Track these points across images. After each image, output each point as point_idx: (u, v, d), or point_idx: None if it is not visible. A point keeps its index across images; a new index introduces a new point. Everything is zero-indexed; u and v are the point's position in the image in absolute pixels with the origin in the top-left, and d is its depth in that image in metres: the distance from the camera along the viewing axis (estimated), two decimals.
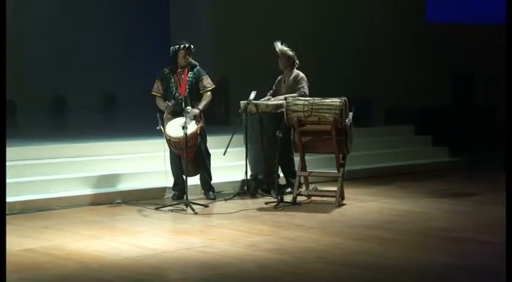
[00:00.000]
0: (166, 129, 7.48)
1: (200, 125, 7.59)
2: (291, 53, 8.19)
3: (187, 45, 7.73)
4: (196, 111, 7.67)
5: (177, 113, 7.66)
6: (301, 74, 8.24)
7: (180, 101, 7.66)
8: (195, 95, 7.79)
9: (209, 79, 7.87)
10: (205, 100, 7.79)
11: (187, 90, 7.75)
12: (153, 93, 7.86)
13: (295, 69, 8.25)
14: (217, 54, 12.32)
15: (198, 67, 7.85)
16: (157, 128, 7.45)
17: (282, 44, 8.17)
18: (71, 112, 13.72)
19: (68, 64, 14.22)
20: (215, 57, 12.25)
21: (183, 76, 7.78)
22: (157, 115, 7.48)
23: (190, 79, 7.78)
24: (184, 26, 12.77)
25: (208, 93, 7.83)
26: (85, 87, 14.30)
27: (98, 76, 14.68)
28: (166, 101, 7.75)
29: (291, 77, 8.23)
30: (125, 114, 14.07)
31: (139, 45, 15.34)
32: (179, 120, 7.49)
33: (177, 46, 7.74)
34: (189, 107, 7.49)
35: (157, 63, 13.30)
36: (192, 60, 7.82)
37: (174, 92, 7.76)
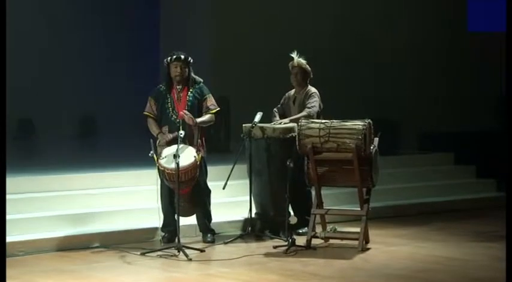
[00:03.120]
0: (160, 158, 7.51)
1: (201, 154, 7.61)
2: (309, 68, 8.31)
3: (178, 56, 7.73)
4: (187, 115, 7.61)
5: (174, 142, 7.65)
6: (313, 89, 8.35)
7: (178, 124, 7.67)
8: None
9: (213, 99, 7.91)
10: (205, 117, 7.80)
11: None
12: (145, 113, 7.90)
13: (308, 86, 8.36)
14: (217, 71, 12.37)
15: (201, 84, 7.90)
16: (150, 154, 7.47)
17: (299, 56, 8.29)
18: (40, 138, 13.74)
19: (37, 81, 14.24)
20: (214, 74, 12.30)
21: (181, 94, 7.81)
22: (151, 140, 7.51)
23: (190, 98, 7.80)
24: (176, 38, 12.85)
25: (211, 115, 7.86)
26: (57, 108, 14.31)
27: (73, 94, 14.71)
28: (164, 127, 7.76)
29: (303, 95, 8.33)
30: (106, 140, 14.09)
31: (122, 59, 15.39)
32: (176, 147, 7.49)
33: (169, 58, 7.79)
34: (182, 132, 7.49)
35: (144, 80, 13.24)
36: (195, 75, 7.86)
37: (169, 114, 7.78)
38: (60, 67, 14.73)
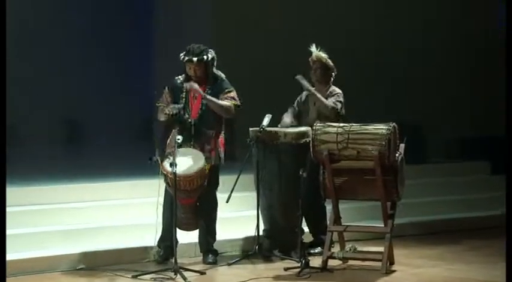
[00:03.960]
0: (165, 161, 7.50)
1: (213, 162, 7.63)
2: (331, 63, 8.36)
3: (190, 59, 7.72)
4: (195, 86, 7.64)
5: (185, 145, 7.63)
6: (338, 90, 8.41)
7: (189, 125, 7.73)
8: (210, 119, 7.79)
9: (235, 94, 7.91)
10: (220, 101, 7.76)
11: (200, 112, 7.77)
12: (158, 104, 7.93)
13: (331, 85, 8.41)
14: (218, 67, 12.37)
15: (223, 79, 7.92)
16: (154, 158, 7.40)
17: (319, 50, 8.33)
18: (22, 144, 13.73)
19: (19, 82, 14.28)
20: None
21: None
22: (154, 137, 7.52)
23: (208, 93, 7.81)
24: (172, 33, 12.82)
25: (230, 103, 7.80)
26: (40, 110, 14.30)
27: (58, 95, 14.70)
28: (174, 130, 7.72)
29: (326, 95, 8.33)
30: (95, 146, 14.08)
31: (113, 58, 15.43)
32: (186, 151, 7.53)
33: (182, 56, 7.81)
34: (179, 137, 7.48)
35: (137, 80, 13.20)
36: (217, 71, 7.89)
37: (182, 112, 7.81)
38: (46, 66, 14.75)
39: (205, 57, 7.76)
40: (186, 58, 7.76)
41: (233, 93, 7.88)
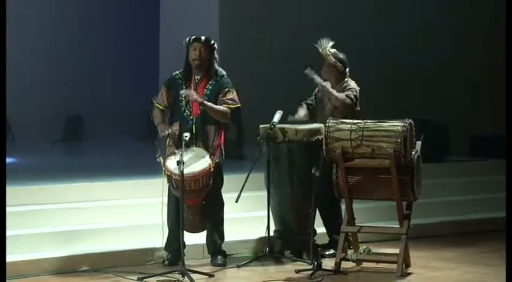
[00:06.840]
0: (167, 161, 7.55)
1: (216, 159, 7.65)
2: (333, 59, 8.27)
3: (197, 37, 7.74)
4: (194, 95, 7.63)
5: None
6: (353, 85, 8.33)
7: (191, 122, 7.73)
8: (211, 117, 7.78)
9: (235, 94, 7.87)
10: (218, 107, 7.75)
11: (201, 108, 7.73)
12: (155, 103, 7.93)
13: (346, 80, 8.36)
14: (226, 62, 12.37)
15: (224, 77, 7.87)
16: (157, 157, 7.54)
17: (328, 44, 8.28)
18: (18, 141, 13.82)
19: (13, 74, 14.39)
20: (223, 66, 12.34)
21: (199, 86, 7.82)
22: (156, 141, 7.55)
23: (208, 92, 7.81)
24: (178, 27, 12.88)
25: (227, 108, 7.79)
26: (39, 107, 14.36)
27: (58, 91, 14.77)
28: (174, 124, 7.78)
29: (340, 90, 8.29)
30: (96, 144, 14.11)
31: (117, 52, 15.48)
32: (189, 149, 7.54)
33: (187, 38, 7.80)
34: (186, 133, 7.51)
35: (141, 76, 13.28)
36: (218, 66, 7.88)
37: (182, 108, 7.81)
38: (45, 62, 14.81)
39: (212, 41, 7.79)
40: (193, 37, 7.72)
41: (233, 94, 7.82)
